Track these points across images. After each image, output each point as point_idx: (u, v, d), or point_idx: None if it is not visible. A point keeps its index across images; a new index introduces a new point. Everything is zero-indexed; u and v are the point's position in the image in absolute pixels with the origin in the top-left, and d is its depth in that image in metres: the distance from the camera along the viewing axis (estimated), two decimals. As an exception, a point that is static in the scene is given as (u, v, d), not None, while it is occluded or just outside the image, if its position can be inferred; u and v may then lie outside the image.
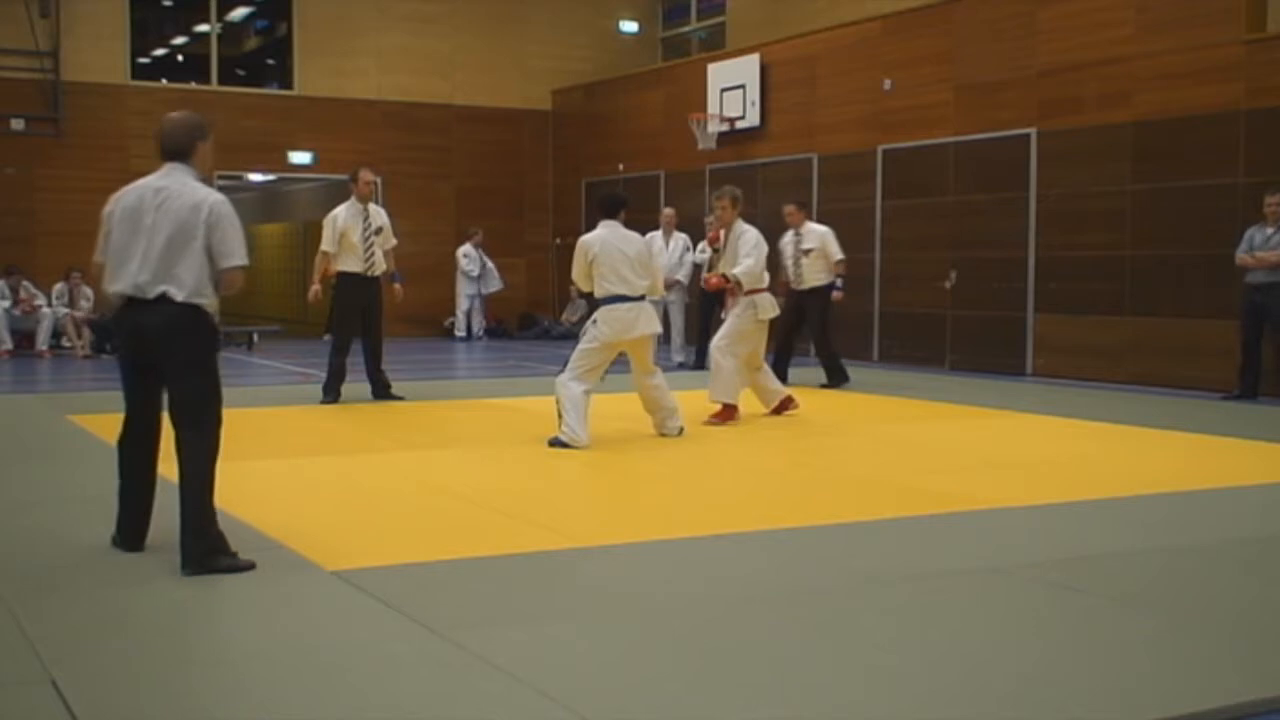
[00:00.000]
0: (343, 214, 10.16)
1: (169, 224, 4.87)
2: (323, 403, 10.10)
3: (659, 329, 8.28)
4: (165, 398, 5.11)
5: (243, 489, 6.49)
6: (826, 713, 3.34)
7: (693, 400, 9.42)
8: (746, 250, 9.06)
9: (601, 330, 7.93)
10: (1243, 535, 5.56)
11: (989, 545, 5.29)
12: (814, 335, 12.01)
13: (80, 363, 15.08)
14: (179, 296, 4.85)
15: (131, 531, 5.10)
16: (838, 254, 11.71)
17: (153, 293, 4.85)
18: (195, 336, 4.96)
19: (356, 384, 10.33)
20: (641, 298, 8.07)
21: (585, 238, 8.16)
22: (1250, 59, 11.37)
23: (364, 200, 10.20)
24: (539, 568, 4.87)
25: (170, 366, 4.96)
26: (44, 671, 3.56)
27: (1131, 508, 6.12)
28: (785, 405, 9.59)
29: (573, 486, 6.77)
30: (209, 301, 4.94)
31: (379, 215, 10.37)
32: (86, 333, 15.83)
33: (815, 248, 11.69)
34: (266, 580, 4.73)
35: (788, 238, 11.81)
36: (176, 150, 5.03)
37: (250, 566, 4.77)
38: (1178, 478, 7.01)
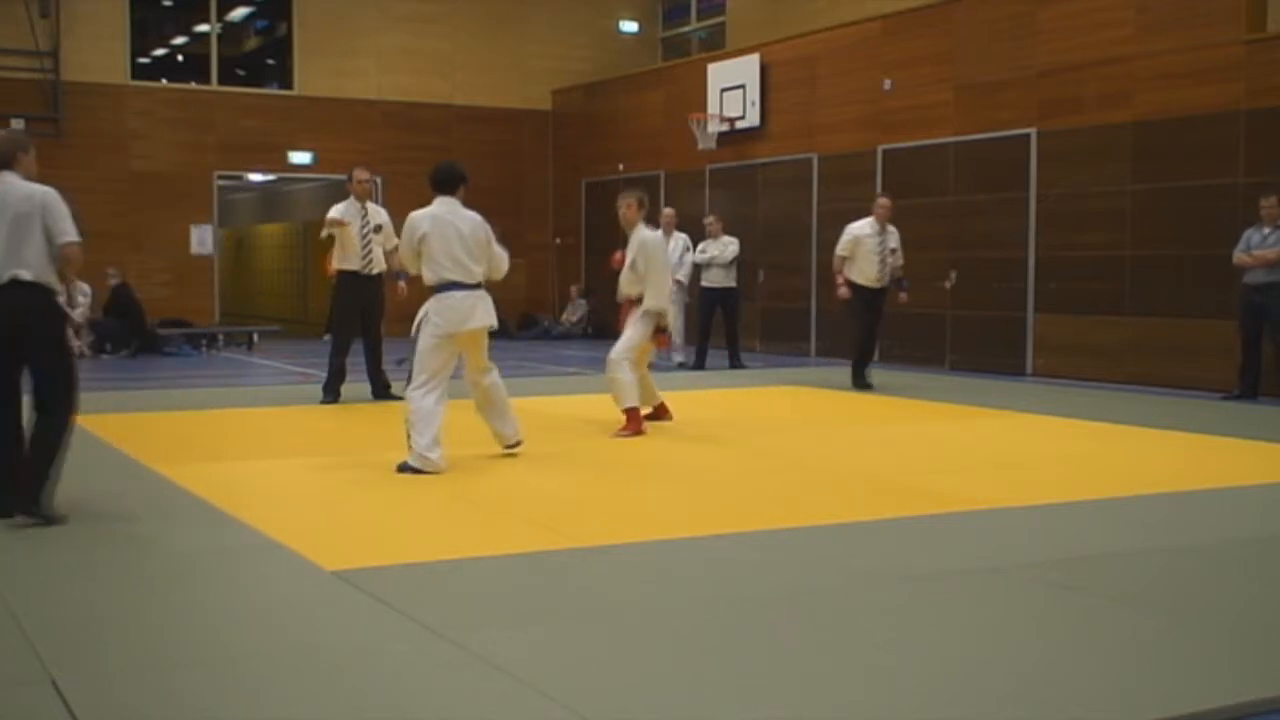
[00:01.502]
0: (340, 211, 10.18)
1: (9, 216, 5.52)
2: (323, 402, 10.10)
3: (494, 322, 7.32)
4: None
5: (243, 489, 6.50)
6: (826, 713, 3.34)
7: (691, 400, 9.41)
8: (657, 268, 8.55)
9: (434, 322, 7.02)
10: (1243, 535, 5.56)
11: (989, 545, 5.29)
12: (873, 335, 11.79)
13: (80, 362, 15.06)
14: (27, 276, 5.51)
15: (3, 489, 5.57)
16: (902, 257, 11.68)
17: (5, 276, 5.48)
18: (48, 314, 5.63)
19: (357, 384, 10.34)
20: (478, 286, 7.19)
21: (414, 214, 7.23)
22: (1250, 59, 11.38)
23: (361, 199, 10.22)
24: (539, 568, 4.86)
25: (30, 343, 5.59)
26: (44, 671, 3.56)
27: (1131, 508, 6.12)
28: (660, 414, 8.97)
29: (573, 486, 6.76)
30: (53, 282, 5.60)
31: (378, 214, 10.39)
32: (86, 332, 15.83)
33: (898, 248, 11.51)
34: (266, 580, 4.74)
35: (867, 229, 11.43)
36: (2, 162, 5.66)
37: (63, 521, 5.48)
38: (1178, 478, 7.01)
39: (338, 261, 10.18)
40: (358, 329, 10.29)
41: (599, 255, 19.78)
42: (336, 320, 10.49)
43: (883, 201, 11.55)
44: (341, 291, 10.32)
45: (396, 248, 10.48)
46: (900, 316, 14.75)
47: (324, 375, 10.36)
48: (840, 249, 11.50)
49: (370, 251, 10.18)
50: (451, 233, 7.14)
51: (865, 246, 11.37)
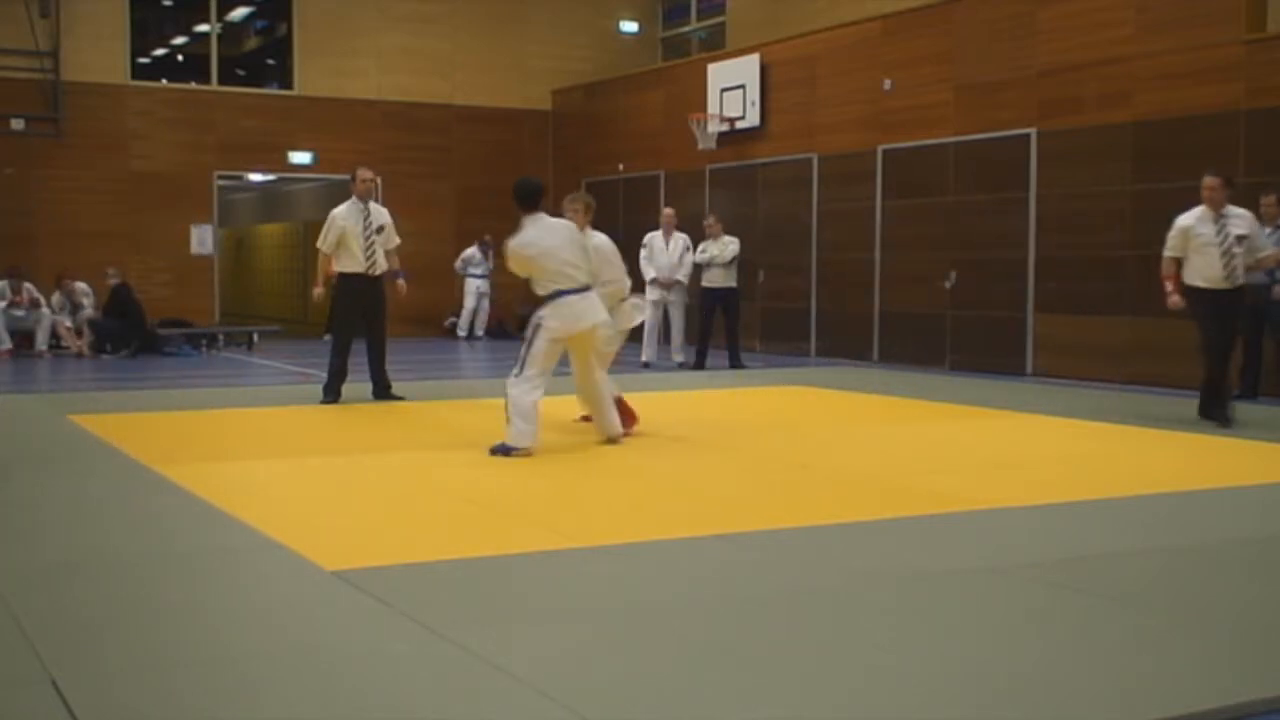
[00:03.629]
0: (342, 213, 10.16)
1: None
2: (323, 403, 10.09)
3: (606, 318, 7.87)
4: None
5: (243, 489, 6.50)
6: (826, 713, 3.34)
7: (691, 401, 9.42)
8: (615, 262, 8.50)
9: (551, 324, 7.61)
10: (1243, 535, 5.56)
11: (989, 545, 5.29)
12: (1225, 354, 9.18)
13: (80, 362, 15.09)
14: None
15: None
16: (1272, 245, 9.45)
17: None
18: None
19: (357, 384, 10.34)
20: (586, 287, 7.74)
21: (516, 243, 7.67)
22: (1250, 59, 11.38)
23: (363, 199, 10.19)
24: (539, 568, 4.86)
25: None
26: (44, 671, 3.56)
27: (1131, 508, 6.12)
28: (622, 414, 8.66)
29: (573, 486, 6.76)
30: None
31: (381, 214, 10.36)
32: (87, 332, 15.84)
33: (1248, 234, 8.98)
34: (266, 580, 4.74)
35: (1195, 219, 9.02)
36: None
37: None
38: (1178, 478, 7.01)
39: (339, 264, 10.15)
40: (358, 330, 10.28)
41: (599, 255, 19.79)
42: (337, 321, 10.47)
43: (1209, 181, 8.95)
44: (342, 293, 10.31)
45: (398, 247, 10.56)
46: (900, 316, 14.78)
47: (324, 375, 10.36)
48: (1168, 249, 9.15)
49: (373, 252, 10.16)
50: (551, 248, 7.66)
51: (1199, 240, 8.95)
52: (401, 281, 10.62)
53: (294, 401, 10.38)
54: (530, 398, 7.53)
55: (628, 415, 8.34)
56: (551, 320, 7.61)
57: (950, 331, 14.11)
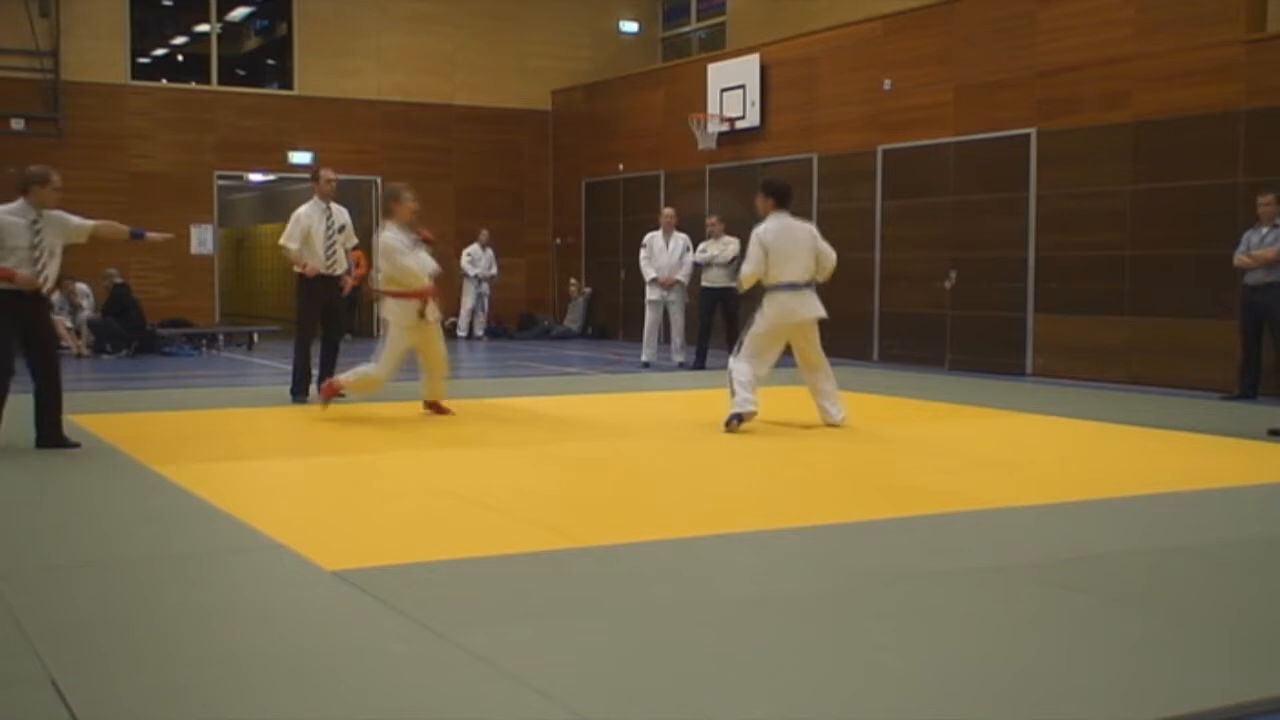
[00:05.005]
0: (305, 213, 10.22)
1: None
2: (294, 403, 10.11)
3: (822, 314, 8.60)
4: None
5: (243, 489, 6.50)
6: (826, 713, 3.33)
7: (691, 401, 9.42)
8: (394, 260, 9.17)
9: (767, 313, 8.40)
10: (1243, 535, 5.56)
11: (989, 545, 5.29)
12: None
13: (80, 363, 15.08)
14: None
15: None
16: None
17: None
18: None
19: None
20: (809, 285, 8.55)
21: (762, 230, 8.49)
22: (1250, 59, 11.38)
23: (326, 199, 10.26)
24: (539, 568, 4.86)
25: None
26: (44, 671, 3.55)
27: (1131, 508, 6.12)
28: (438, 409, 9.49)
29: (573, 486, 6.76)
30: None
31: (341, 214, 10.44)
32: (86, 332, 15.84)
33: None
34: (267, 580, 4.73)
35: None
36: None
37: None
38: (1178, 478, 7.01)
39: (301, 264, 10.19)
40: (320, 327, 10.35)
41: (600, 255, 19.81)
42: (300, 321, 10.48)
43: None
44: (304, 291, 10.36)
45: (357, 246, 10.62)
46: (900, 316, 14.78)
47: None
48: None
49: (334, 252, 10.21)
50: (787, 245, 8.48)
51: None
52: (349, 278, 10.64)
53: (293, 401, 10.37)
54: (751, 372, 8.34)
55: (441, 411, 9.33)
56: (768, 309, 8.44)
57: (950, 331, 14.11)
